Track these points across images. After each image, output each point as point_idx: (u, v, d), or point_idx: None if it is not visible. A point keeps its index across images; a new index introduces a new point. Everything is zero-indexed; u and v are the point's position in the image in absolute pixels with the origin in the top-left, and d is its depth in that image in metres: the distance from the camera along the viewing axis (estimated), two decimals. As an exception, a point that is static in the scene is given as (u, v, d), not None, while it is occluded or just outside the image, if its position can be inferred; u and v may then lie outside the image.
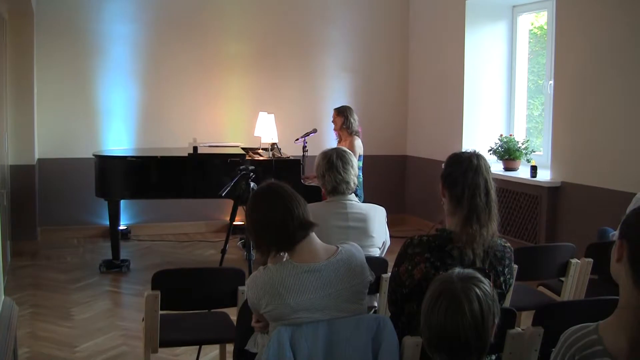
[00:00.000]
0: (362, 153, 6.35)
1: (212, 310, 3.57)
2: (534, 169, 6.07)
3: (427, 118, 8.08)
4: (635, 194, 4.17)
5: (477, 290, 1.80)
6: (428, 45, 8.04)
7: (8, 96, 6.55)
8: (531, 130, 7.19)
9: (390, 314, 2.62)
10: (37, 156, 7.08)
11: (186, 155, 6.16)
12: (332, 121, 6.49)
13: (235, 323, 3.00)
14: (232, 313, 3.20)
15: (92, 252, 6.87)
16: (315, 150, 5.21)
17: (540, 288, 4.11)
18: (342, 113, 6.38)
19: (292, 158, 6.46)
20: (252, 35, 7.92)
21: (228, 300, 3.26)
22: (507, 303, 2.79)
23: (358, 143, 6.29)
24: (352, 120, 6.33)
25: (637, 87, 5.05)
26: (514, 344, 2.50)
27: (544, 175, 6.03)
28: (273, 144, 6.69)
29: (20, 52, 6.74)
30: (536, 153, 6.60)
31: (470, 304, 1.77)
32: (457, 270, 1.88)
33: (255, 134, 7.33)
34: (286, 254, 2.39)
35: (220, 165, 6.08)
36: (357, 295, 2.38)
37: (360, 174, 6.33)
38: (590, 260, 3.73)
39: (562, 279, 3.80)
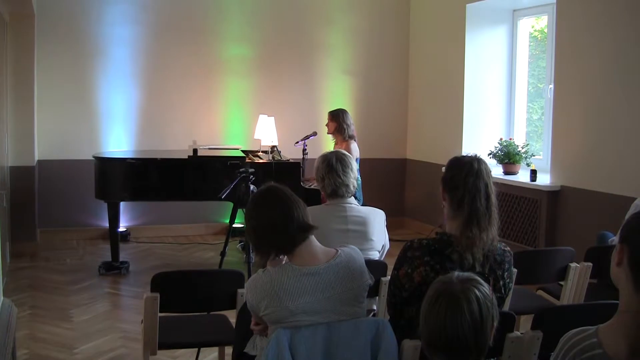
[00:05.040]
0: (358, 156, 6.34)
1: (211, 313, 3.56)
2: (533, 173, 6.07)
3: (427, 121, 8.08)
4: (634, 199, 4.18)
5: (477, 292, 1.81)
6: (428, 49, 8.05)
7: (8, 97, 6.55)
8: (531, 134, 7.19)
9: (389, 317, 2.62)
10: (37, 157, 7.08)
11: (186, 157, 6.16)
12: (326, 125, 6.49)
13: (234, 326, 3.00)
14: (231, 315, 3.20)
15: (92, 253, 6.86)
16: (315, 153, 5.21)
17: (540, 292, 4.12)
18: (335, 118, 6.37)
19: (292, 161, 6.46)
20: (252, 37, 7.93)
21: (227, 302, 3.26)
22: (506, 307, 2.80)
23: (354, 147, 6.29)
24: (345, 125, 6.32)
25: (638, 92, 5.06)
26: (513, 347, 2.50)
27: (544, 180, 6.03)
28: (273, 147, 6.70)
29: (21, 53, 6.74)
30: (536, 157, 6.60)
31: (470, 305, 1.78)
32: (457, 273, 1.88)
33: (255, 137, 7.34)
34: (285, 256, 2.39)
35: (220, 168, 6.08)
36: (356, 299, 2.38)
37: (359, 176, 6.33)
38: (590, 264, 3.73)
39: (562, 283, 3.80)
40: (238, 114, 7.89)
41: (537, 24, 7.21)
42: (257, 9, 7.91)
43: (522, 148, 6.52)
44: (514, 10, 7.17)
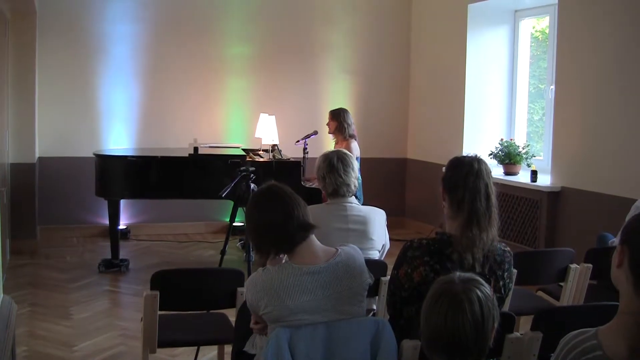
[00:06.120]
0: (359, 155, 6.34)
1: (211, 311, 3.57)
2: (534, 174, 6.07)
3: (428, 121, 8.08)
4: (635, 200, 4.18)
5: (478, 292, 1.80)
6: (430, 49, 8.04)
7: (10, 94, 6.55)
8: (531, 135, 7.19)
9: (389, 317, 2.62)
10: (37, 154, 7.08)
11: (187, 155, 6.16)
12: (327, 124, 6.48)
13: (233, 324, 3.00)
14: (231, 314, 3.20)
15: (92, 251, 6.86)
16: (315, 152, 5.21)
17: (540, 293, 4.11)
18: (336, 117, 6.37)
19: (293, 160, 6.46)
20: (253, 36, 7.92)
21: (227, 301, 3.26)
22: (506, 307, 2.80)
23: (354, 146, 6.29)
24: (345, 125, 6.32)
25: (639, 93, 5.05)
26: (513, 348, 2.50)
27: (544, 180, 6.03)
28: (274, 146, 6.69)
29: (22, 51, 6.74)
30: (536, 158, 6.60)
31: (471, 305, 1.77)
32: (458, 273, 1.88)
33: (256, 135, 7.33)
34: (285, 255, 2.39)
35: (220, 166, 6.08)
36: (356, 298, 2.38)
37: (359, 176, 6.32)
38: (590, 265, 3.73)
39: (561, 284, 3.80)
40: (239, 113, 7.89)
41: (538, 25, 7.21)
42: (258, 7, 7.90)
43: (523, 149, 6.52)
44: (516, 11, 7.16)
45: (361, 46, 8.29)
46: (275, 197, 2.38)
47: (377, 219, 3.45)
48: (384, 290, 3.20)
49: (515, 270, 3.00)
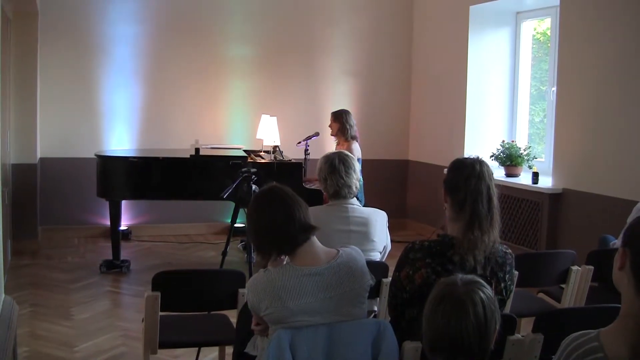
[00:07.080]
0: (360, 157, 6.33)
1: (212, 313, 3.57)
2: (535, 176, 6.07)
3: (429, 123, 8.08)
4: (636, 202, 4.17)
5: (481, 294, 1.80)
6: (431, 50, 8.04)
7: (11, 95, 6.55)
8: (533, 137, 7.19)
9: (390, 319, 2.62)
10: (39, 155, 7.09)
11: (188, 156, 6.16)
12: (329, 126, 6.48)
13: (235, 325, 3.00)
14: (232, 315, 3.20)
15: (93, 252, 6.87)
16: (317, 153, 5.21)
17: (541, 295, 4.11)
18: (338, 118, 6.36)
19: (294, 161, 6.46)
20: (255, 37, 7.93)
21: (228, 302, 3.26)
22: (507, 309, 2.79)
23: (356, 147, 6.28)
24: (348, 126, 6.31)
25: (640, 95, 5.06)
26: (514, 350, 2.50)
27: (546, 182, 6.03)
28: (275, 147, 6.69)
29: (24, 51, 6.75)
30: (538, 159, 6.60)
31: (475, 307, 1.77)
32: (460, 275, 1.88)
33: (258, 137, 7.34)
34: (287, 257, 2.39)
35: (222, 167, 6.08)
36: (357, 299, 2.38)
37: (361, 177, 6.31)
38: (591, 267, 3.73)
39: (563, 285, 3.80)
40: (240, 114, 7.89)
41: (539, 27, 7.20)
42: (260, 9, 7.90)
43: (524, 150, 6.51)
44: (517, 13, 7.16)
45: (363, 48, 8.29)
46: (277, 198, 2.39)
47: (378, 220, 3.45)
48: (385, 291, 3.20)
49: (516, 272, 3.01)
